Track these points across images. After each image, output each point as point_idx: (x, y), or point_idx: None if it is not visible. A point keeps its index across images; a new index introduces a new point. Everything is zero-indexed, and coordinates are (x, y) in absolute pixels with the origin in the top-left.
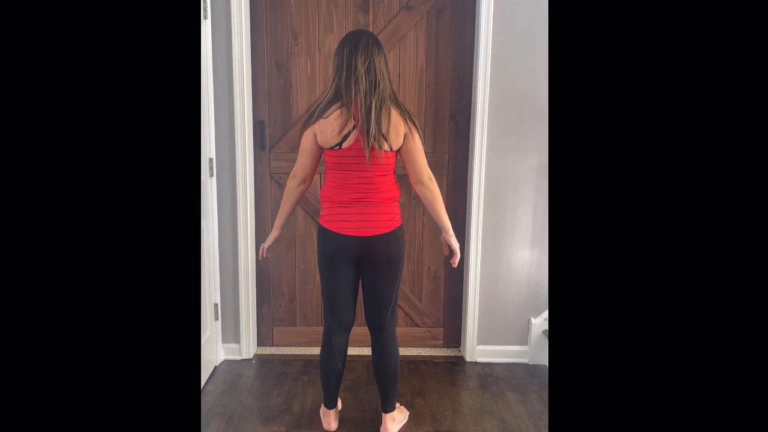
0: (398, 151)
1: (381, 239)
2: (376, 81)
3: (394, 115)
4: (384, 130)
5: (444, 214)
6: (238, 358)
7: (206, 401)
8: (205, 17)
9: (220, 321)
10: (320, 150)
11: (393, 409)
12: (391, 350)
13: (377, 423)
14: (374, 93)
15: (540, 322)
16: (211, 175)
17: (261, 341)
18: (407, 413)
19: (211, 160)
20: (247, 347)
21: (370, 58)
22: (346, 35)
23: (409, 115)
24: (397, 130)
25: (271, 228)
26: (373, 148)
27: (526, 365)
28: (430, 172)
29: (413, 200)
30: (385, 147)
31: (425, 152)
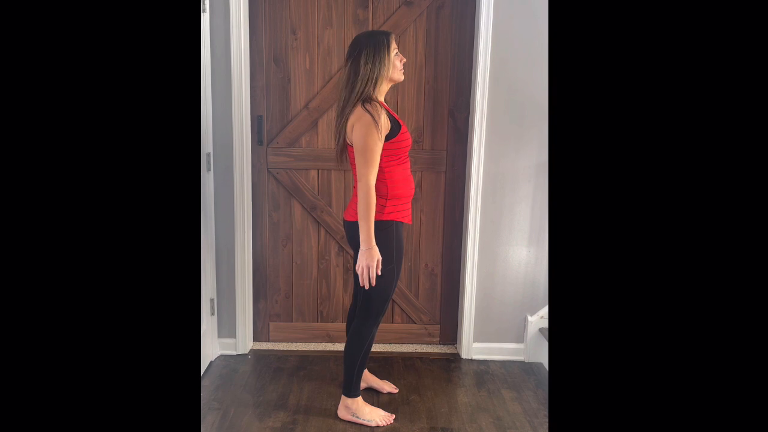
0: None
1: (348, 225)
2: (348, 81)
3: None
4: (345, 127)
5: (363, 223)
6: (234, 353)
7: (202, 396)
8: (204, 10)
9: (216, 316)
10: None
11: (345, 394)
12: (348, 338)
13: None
14: (344, 92)
15: (536, 319)
16: (209, 170)
17: (257, 336)
18: (374, 422)
19: (208, 154)
20: (243, 342)
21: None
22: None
23: (366, 110)
24: (352, 124)
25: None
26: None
27: (522, 363)
28: (362, 175)
29: None
30: (348, 140)
31: (423, 149)
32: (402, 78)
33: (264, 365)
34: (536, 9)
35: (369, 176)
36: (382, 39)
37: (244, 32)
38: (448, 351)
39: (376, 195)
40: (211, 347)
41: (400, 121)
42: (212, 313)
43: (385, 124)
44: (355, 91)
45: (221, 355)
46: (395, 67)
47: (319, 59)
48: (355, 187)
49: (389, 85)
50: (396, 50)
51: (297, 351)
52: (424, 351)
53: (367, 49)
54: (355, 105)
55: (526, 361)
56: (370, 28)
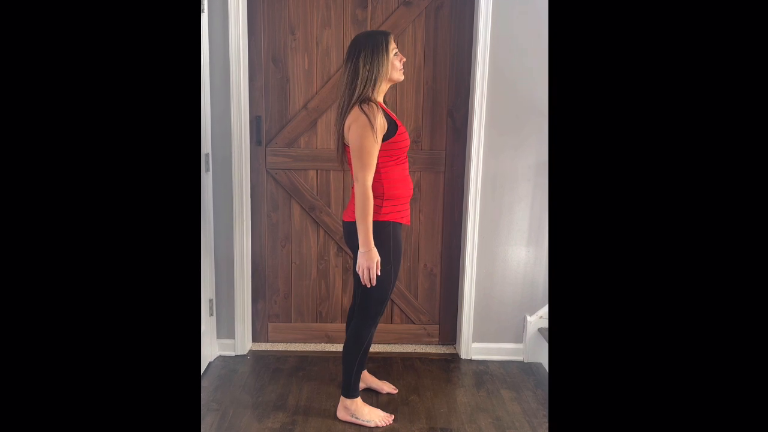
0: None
1: (347, 225)
2: (347, 82)
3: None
4: (342, 127)
5: (360, 224)
6: (233, 353)
7: (201, 396)
8: (203, 11)
9: (215, 316)
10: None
11: (344, 395)
12: (346, 339)
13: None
14: (345, 94)
15: (535, 319)
16: (207, 171)
17: (256, 337)
18: (374, 422)
19: (207, 155)
20: (242, 343)
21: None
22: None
23: (363, 111)
24: (349, 125)
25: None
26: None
27: (521, 363)
28: (358, 176)
29: None
30: (345, 141)
31: (422, 149)
32: (402, 78)
33: (263, 366)
34: (535, 9)
35: (365, 178)
36: (381, 39)
37: (242, 32)
38: (447, 351)
39: (373, 195)
40: (210, 348)
41: (398, 122)
42: (211, 314)
43: (381, 124)
44: (355, 92)
45: (220, 356)
46: (394, 67)
47: (318, 59)
48: (353, 188)
49: (389, 85)
50: (395, 50)
51: (296, 351)
52: (423, 351)
53: (366, 49)
54: (352, 106)
55: (525, 361)
56: (368, 29)
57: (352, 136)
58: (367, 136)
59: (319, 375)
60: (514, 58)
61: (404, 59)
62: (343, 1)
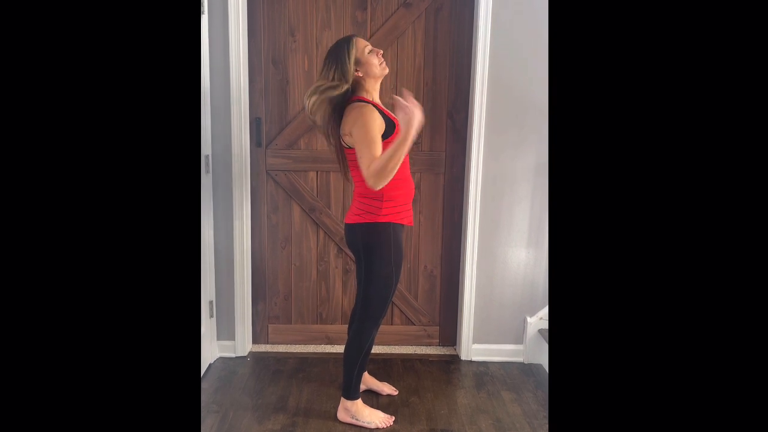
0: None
1: (347, 228)
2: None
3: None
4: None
5: (400, 149)
6: (233, 355)
7: (201, 398)
8: (203, 12)
9: (215, 318)
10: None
11: (345, 396)
12: (348, 340)
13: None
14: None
15: (536, 321)
16: (207, 172)
17: (256, 338)
18: (374, 424)
19: (207, 156)
20: (242, 344)
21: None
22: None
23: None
24: (343, 126)
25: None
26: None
27: (521, 364)
28: (372, 171)
29: None
30: (344, 143)
31: (421, 150)
32: (386, 71)
33: (263, 367)
34: (535, 9)
35: (371, 157)
36: (343, 44)
37: (242, 34)
38: (448, 352)
39: (371, 197)
40: (210, 349)
41: (395, 120)
42: (211, 315)
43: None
44: (334, 99)
45: (220, 358)
46: (372, 64)
47: (318, 61)
48: (354, 191)
49: (377, 82)
50: (369, 48)
51: (296, 353)
52: (423, 353)
53: (332, 56)
54: (344, 106)
55: (526, 362)
56: (368, 30)
57: (350, 125)
58: (362, 118)
59: (320, 376)
60: (513, 59)
61: (381, 51)
62: (342, 3)
